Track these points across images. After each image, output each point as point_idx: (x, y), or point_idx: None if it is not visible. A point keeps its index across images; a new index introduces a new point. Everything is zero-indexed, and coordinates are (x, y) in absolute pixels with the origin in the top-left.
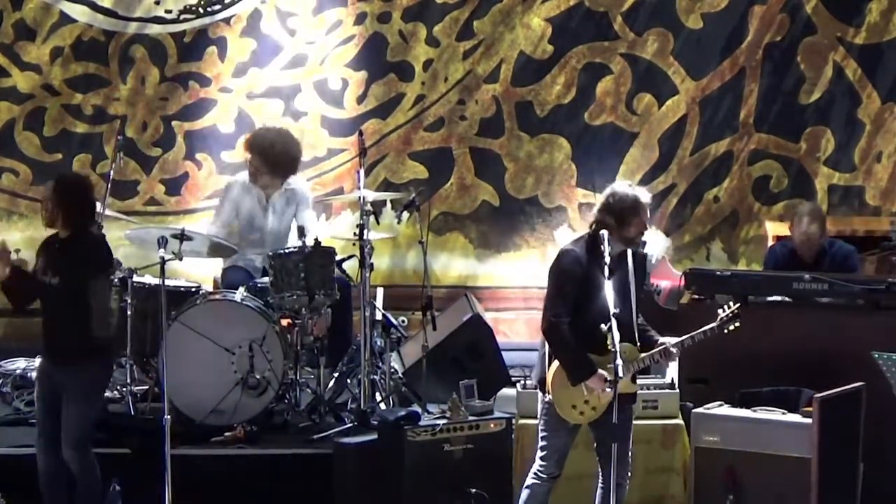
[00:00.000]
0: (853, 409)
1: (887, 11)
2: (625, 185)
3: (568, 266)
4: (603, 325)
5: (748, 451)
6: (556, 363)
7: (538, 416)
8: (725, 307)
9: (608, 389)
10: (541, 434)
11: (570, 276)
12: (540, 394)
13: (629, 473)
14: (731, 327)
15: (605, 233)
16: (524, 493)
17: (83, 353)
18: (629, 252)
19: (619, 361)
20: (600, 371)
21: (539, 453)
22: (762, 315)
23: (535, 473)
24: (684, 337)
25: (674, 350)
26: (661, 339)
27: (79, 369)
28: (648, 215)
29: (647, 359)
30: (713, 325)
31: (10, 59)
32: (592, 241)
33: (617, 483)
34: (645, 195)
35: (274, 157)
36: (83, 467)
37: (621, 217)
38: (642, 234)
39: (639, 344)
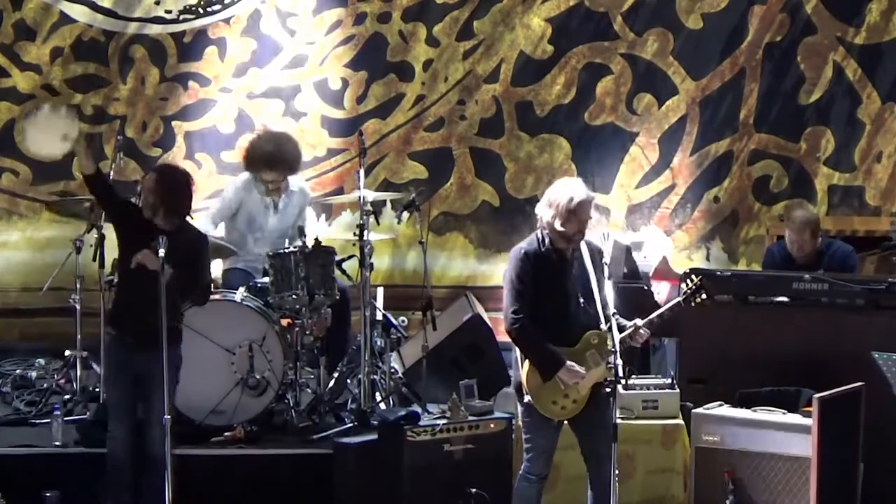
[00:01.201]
0: (853, 409)
1: (887, 11)
2: (566, 182)
3: (518, 264)
4: (603, 326)
5: (748, 451)
6: (528, 363)
7: (521, 419)
8: (688, 280)
9: (590, 379)
10: (524, 436)
11: (521, 274)
12: (517, 397)
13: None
14: (698, 300)
15: (607, 231)
16: (515, 497)
17: (174, 337)
18: (584, 245)
19: (619, 361)
20: (568, 363)
21: (525, 455)
22: (762, 315)
23: (524, 475)
24: (653, 315)
25: (642, 330)
26: (631, 322)
27: (169, 354)
28: (588, 215)
29: (620, 341)
30: (678, 299)
31: (10, 59)
32: (542, 237)
33: (605, 481)
34: (581, 194)
35: (272, 159)
36: (163, 447)
37: (556, 216)
38: (580, 233)
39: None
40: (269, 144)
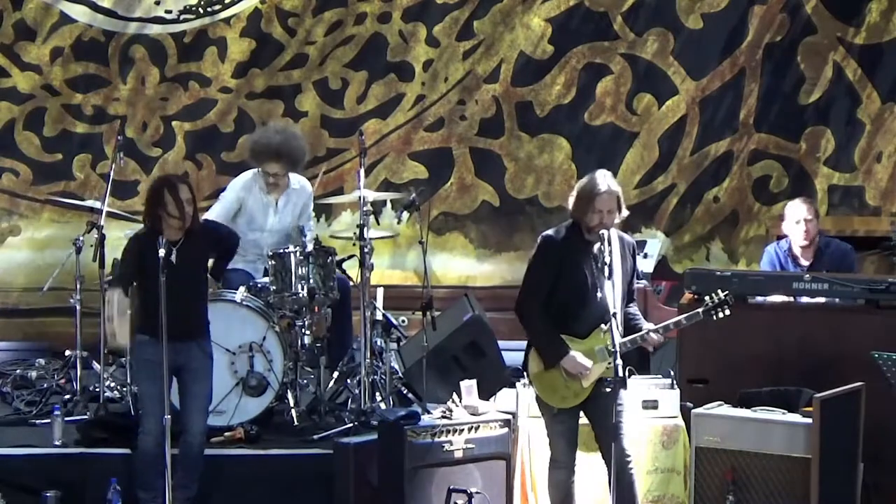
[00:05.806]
0: (853, 409)
1: (887, 11)
2: (593, 174)
3: (542, 249)
4: (603, 325)
5: (748, 451)
6: (534, 350)
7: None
8: (714, 295)
9: (586, 372)
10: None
11: (543, 259)
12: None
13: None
14: (721, 315)
15: (605, 233)
16: (547, 484)
17: (207, 329)
18: (615, 238)
19: (619, 361)
20: (572, 353)
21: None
22: (762, 315)
23: (549, 462)
24: (665, 322)
25: (654, 336)
26: (646, 326)
27: (205, 345)
28: (607, 207)
29: (627, 343)
30: (698, 310)
31: (10, 59)
32: (572, 226)
33: (619, 462)
34: (601, 187)
35: (279, 151)
36: (204, 437)
37: (578, 206)
38: (601, 225)
39: (621, 330)
40: (278, 136)
